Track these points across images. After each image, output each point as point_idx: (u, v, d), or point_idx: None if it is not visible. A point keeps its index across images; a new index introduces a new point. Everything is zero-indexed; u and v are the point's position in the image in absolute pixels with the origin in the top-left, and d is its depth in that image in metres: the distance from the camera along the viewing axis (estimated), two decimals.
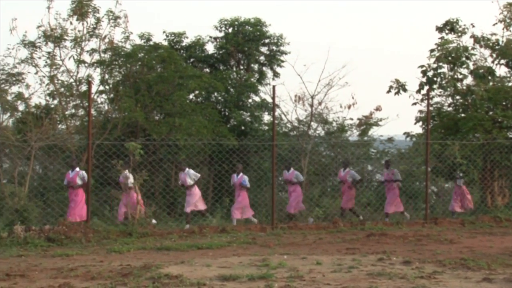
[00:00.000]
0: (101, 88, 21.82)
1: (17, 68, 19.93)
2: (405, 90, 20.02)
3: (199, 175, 16.32)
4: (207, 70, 26.34)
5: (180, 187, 17.38)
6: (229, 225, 15.27)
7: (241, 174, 16.46)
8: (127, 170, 15.18)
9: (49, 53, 20.10)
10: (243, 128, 25.19)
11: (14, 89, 20.04)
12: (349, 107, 21.20)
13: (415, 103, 20.18)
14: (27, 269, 9.49)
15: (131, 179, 15.14)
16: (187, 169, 16.23)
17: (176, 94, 21.36)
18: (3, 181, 18.44)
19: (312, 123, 21.82)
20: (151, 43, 23.26)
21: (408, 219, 16.73)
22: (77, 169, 15.16)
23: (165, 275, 8.60)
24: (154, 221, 15.42)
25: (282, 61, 27.01)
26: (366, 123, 23.52)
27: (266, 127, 25.41)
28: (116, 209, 16.50)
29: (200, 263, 9.88)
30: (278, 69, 27.22)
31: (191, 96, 24.33)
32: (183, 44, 26.23)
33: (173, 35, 26.04)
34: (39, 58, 20.17)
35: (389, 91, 20.18)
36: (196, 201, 16.11)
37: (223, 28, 26.84)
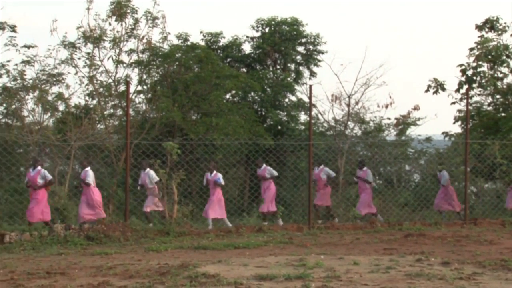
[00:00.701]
0: (139, 88, 22.04)
1: (58, 68, 20.23)
2: (443, 89, 19.80)
3: (157, 178, 15.46)
4: (244, 70, 26.38)
5: (139, 187, 16.66)
6: (266, 224, 15.26)
7: (214, 172, 15.99)
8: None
9: (88, 53, 20.35)
10: (279, 127, 25.16)
11: (55, 89, 20.35)
12: (386, 106, 21.07)
13: (454, 103, 19.95)
14: (67, 267, 9.62)
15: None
16: (147, 169, 15.82)
17: (213, 94, 21.45)
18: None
19: (349, 122, 21.72)
20: (189, 43, 23.39)
21: (382, 221, 16.08)
22: (39, 167, 14.39)
23: (202, 274, 8.63)
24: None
25: (319, 61, 26.93)
26: (403, 123, 23.28)
27: (303, 127, 25.35)
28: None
29: (237, 262, 9.89)
30: (314, 69, 27.16)
31: (227, 96, 24.42)
32: (220, 44, 26.33)
33: (210, 35, 26.15)
34: (79, 58, 20.45)
35: (427, 90, 19.98)
36: (156, 201, 15.66)
37: (260, 28, 26.86)
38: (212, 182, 15.91)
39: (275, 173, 17.04)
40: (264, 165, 16.99)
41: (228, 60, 26.13)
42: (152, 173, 15.76)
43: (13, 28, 20.73)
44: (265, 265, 9.56)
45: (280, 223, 15.91)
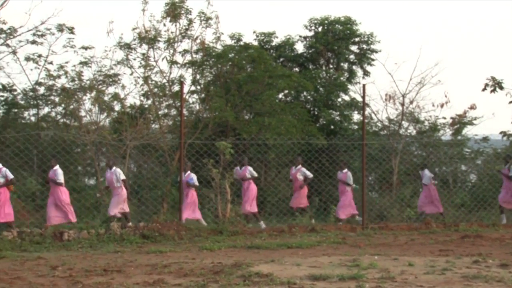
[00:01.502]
0: (193, 88, 22.26)
1: (114, 69, 20.61)
2: (501, 87, 19.30)
3: (124, 177, 15.03)
4: (297, 69, 26.32)
5: (104, 188, 16.07)
6: (319, 224, 15.20)
7: (188, 172, 15.73)
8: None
9: (143, 54, 20.65)
10: (332, 127, 25.02)
11: (111, 89, 20.74)
12: (442, 105, 20.70)
13: None
14: (123, 265, 9.78)
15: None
16: (114, 168, 14.99)
17: (265, 93, 21.47)
18: (101, 179, 19.10)
19: (403, 122, 21.44)
20: (242, 43, 23.47)
21: (360, 223, 15.64)
22: (0, 165, 14.24)
23: (255, 273, 8.65)
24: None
25: (373, 60, 26.66)
26: (459, 122, 22.83)
27: (356, 126, 25.14)
28: (208, 208, 16.79)
29: (290, 262, 9.88)
30: (368, 68, 26.88)
31: (280, 96, 24.41)
32: (273, 43, 26.32)
33: (263, 35, 26.18)
34: (134, 59, 20.78)
35: (484, 89, 19.48)
36: (122, 204, 14.92)
37: (313, 27, 26.75)
38: (185, 182, 15.58)
39: (255, 174, 16.80)
40: (245, 166, 16.69)
41: (281, 59, 26.11)
42: (119, 171, 15.03)
43: (71, 30, 21.23)
44: (318, 265, 9.52)
45: (262, 226, 15.52)
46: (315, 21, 26.64)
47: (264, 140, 19.75)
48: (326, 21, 26.42)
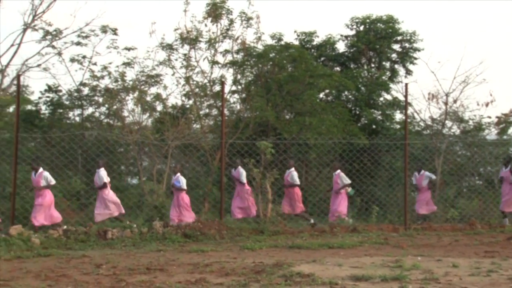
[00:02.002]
0: (234, 88, 22.34)
1: (156, 70, 20.82)
2: None
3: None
4: (338, 68, 26.19)
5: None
6: (361, 225, 15.09)
7: (178, 174, 15.32)
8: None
9: (185, 55, 20.82)
10: (374, 126, 24.84)
11: (153, 90, 20.96)
12: (486, 104, 20.33)
13: None
14: (166, 263, 9.87)
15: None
16: (40, 169, 14.29)
17: (306, 93, 21.42)
18: (143, 179, 19.32)
19: (446, 121, 21.13)
20: (282, 43, 23.46)
21: (350, 223, 15.27)
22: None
23: (297, 273, 8.64)
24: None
25: (415, 58, 26.37)
26: (505, 121, 22.43)
27: (398, 126, 24.90)
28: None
29: (332, 262, 9.84)
30: (410, 67, 26.58)
31: (321, 95, 24.32)
32: (314, 43, 26.25)
33: (304, 35, 26.12)
34: (176, 60, 20.96)
35: None
36: (109, 204, 14.73)
37: (354, 26, 26.60)
38: (172, 185, 15.50)
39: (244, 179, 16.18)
40: (239, 167, 16.30)
41: (322, 59, 26.02)
42: (102, 172, 14.90)
43: (114, 31, 21.55)
44: (360, 266, 9.46)
45: None
46: (357, 20, 26.48)
47: (305, 140, 19.69)
48: (368, 20, 26.23)
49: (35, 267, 9.41)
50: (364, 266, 9.41)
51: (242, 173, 16.09)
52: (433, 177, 16.93)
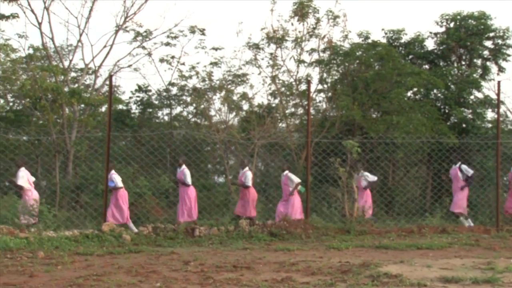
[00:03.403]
0: (320, 87, 22.29)
1: (242, 69, 21.07)
2: None
3: (33, 178, 14.06)
4: (426, 66, 25.64)
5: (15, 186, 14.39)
6: (450, 225, 14.73)
7: (111, 173, 14.60)
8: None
9: (271, 54, 20.96)
10: (464, 125, 24.17)
11: (239, 89, 21.25)
12: None
13: None
14: (252, 261, 9.95)
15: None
16: (22, 168, 13.90)
17: (394, 91, 21.10)
18: (229, 177, 19.56)
19: None
20: (369, 41, 23.21)
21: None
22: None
23: (384, 273, 8.52)
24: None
25: (508, 55, 25.47)
26: None
27: (490, 125, 24.14)
28: (335, 207, 16.71)
29: (420, 263, 9.65)
30: (503, 64, 25.70)
31: (409, 94, 23.89)
32: (402, 41, 25.79)
33: (391, 32, 25.72)
34: (262, 59, 21.14)
35: None
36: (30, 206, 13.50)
37: (444, 23, 25.95)
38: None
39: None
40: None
41: (410, 57, 25.54)
42: (22, 172, 13.88)
43: (202, 32, 21.94)
44: (450, 267, 9.24)
45: None
46: (447, 17, 25.82)
47: (392, 139, 19.40)
48: (458, 17, 25.53)
49: (126, 263, 9.69)
50: (454, 268, 9.18)
51: (187, 174, 14.87)
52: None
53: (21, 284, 7.75)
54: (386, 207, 19.24)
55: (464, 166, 15.94)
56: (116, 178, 14.68)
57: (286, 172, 15.31)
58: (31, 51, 21.94)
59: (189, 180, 14.87)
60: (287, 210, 14.82)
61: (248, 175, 15.22)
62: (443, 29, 25.94)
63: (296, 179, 15.18)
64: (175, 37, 22.25)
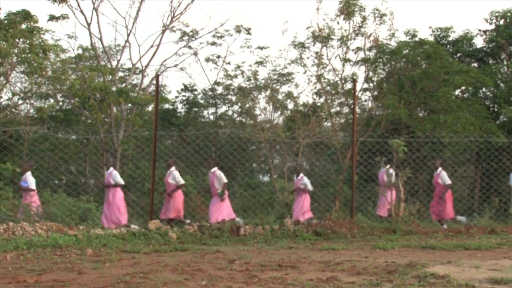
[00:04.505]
0: (365, 85, 22.12)
1: (287, 68, 21.07)
2: None
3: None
4: (475, 64, 25.19)
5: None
6: (499, 226, 14.46)
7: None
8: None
9: (316, 53, 20.89)
10: None
11: (284, 88, 21.25)
12: None
13: None
14: (297, 260, 9.94)
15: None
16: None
17: (441, 90, 20.79)
18: (274, 176, 19.58)
19: None
20: (416, 39, 22.92)
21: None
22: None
23: (431, 274, 8.42)
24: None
25: None
26: None
27: None
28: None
29: (468, 264, 9.50)
30: None
31: (457, 92, 23.51)
32: (450, 39, 25.39)
33: (439, 30, 25.36)
34: (307, 58, 21.09)
35: None
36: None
37: (494, 21, 25.45)
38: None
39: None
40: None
41: (458, 55, 25.12)
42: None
43: (248, 31, 22.02)
44: (499, 268, 9.07)
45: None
46: (497, 14, 25.30)
47: (439, 138, 19.13)
48: (508, 14, 25.02)
49: (172, 261, 9.78)
50: (503, 269, 9.01)
51: (116, 176, 14.01)
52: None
53: (70, 280, 7.90)
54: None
55: None
56: (30, 179, 14.29)
57: (215, 169, 14.67)
58: (80, 51, 22.38)
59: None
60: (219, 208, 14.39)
61: (175, 175, 14.69)
62: (492, 26, 25.43)
63: (224, 179, 14.56)
64: (221, 37, 22.39)
